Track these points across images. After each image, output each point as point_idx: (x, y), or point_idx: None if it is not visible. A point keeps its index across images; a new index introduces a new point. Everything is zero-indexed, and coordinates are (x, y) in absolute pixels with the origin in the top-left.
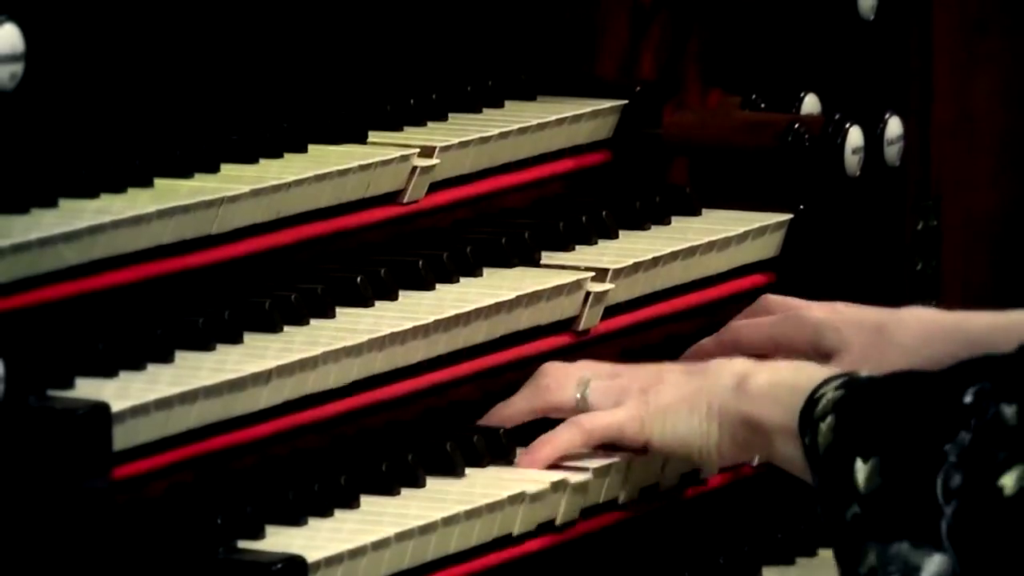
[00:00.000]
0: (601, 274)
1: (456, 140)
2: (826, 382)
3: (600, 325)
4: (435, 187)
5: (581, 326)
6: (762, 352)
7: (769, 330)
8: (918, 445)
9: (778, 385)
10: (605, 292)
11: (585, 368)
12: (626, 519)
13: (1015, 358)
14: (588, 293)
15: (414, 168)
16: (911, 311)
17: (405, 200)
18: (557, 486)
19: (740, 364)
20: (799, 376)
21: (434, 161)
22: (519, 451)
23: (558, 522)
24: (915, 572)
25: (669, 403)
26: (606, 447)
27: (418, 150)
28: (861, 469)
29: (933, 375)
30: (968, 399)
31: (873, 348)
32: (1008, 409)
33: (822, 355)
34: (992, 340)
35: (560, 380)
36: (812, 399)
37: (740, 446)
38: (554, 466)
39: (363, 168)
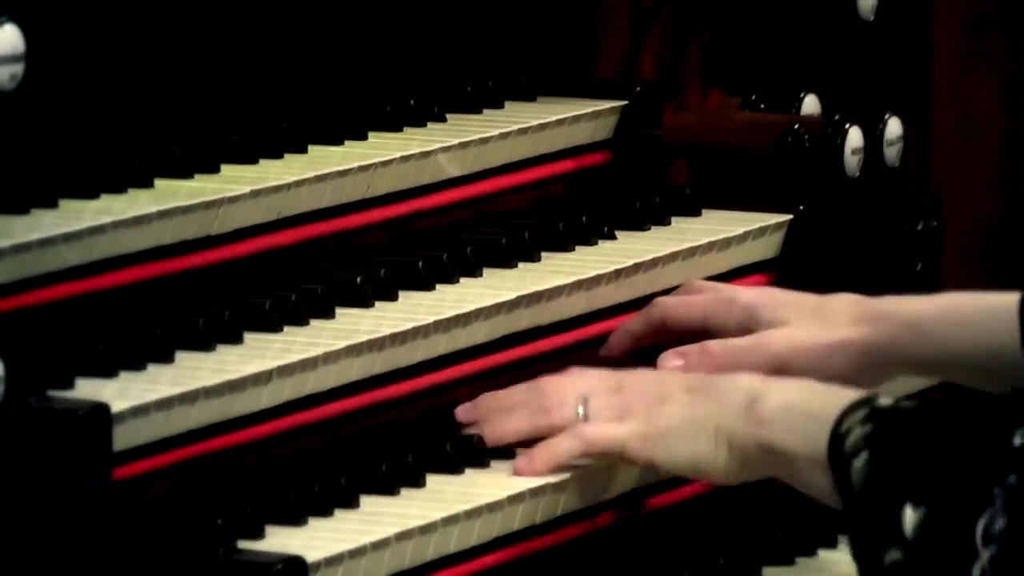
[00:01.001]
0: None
1: (456, 141)
2: (848, 412)
3: (598, 325)
4: (434, 188)
5: None
6: (691, 330)
7: (702, 309)
8: (966, 489)
9: (792, 411)
10: None
11: (582, 381)
12: (627, 518)
13: None
14: None
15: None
16: (844, 294)
17: None
18: (558, 487)
19: (747, 382)
20: (812, 400)
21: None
22: (518, 452)
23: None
24: None
25: (675, 424)
26: None
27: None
28: (911, 517)
29: (973, 413)
30: (1018, 440)
31: (810, 325)
32: None
33: (752, 333)
34: (928, 321)
35: (560, 397)
36: (838, 434)
37: (752, 469)
38: None
39: (363, 169)
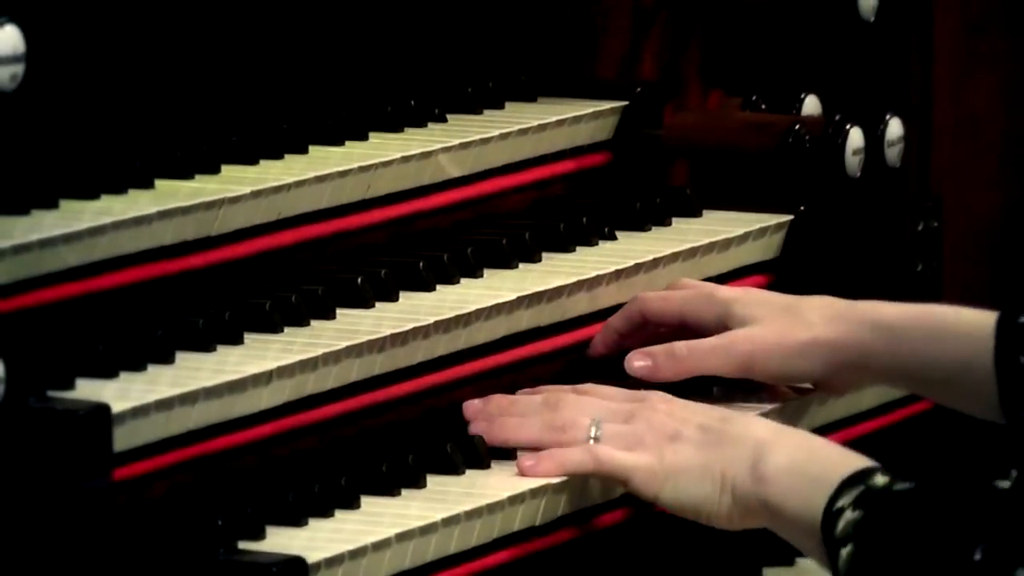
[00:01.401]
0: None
1: (457, 141)
2: (844, 487)
3: (598, 326)
4: (435, 188)
5: None
6: (670, 324)
7: (679, 304)
8: None
9: (795, 473)
10: None
11: (598, 405)
12: (628, 518)
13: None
14: None
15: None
16: (821, 296)
17: None
18: (559, 487)
19: (759, 431)
20: (815, 462)
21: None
22: (520, 453)
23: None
24: None
25: (684, 466)
26: None
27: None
28: None
29: (951, 520)
30: (978, 556)
31: (781, 323)
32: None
33: (728, 329)
34: (900, 328)
35: (573, 419)
36: (831, 511)
37: (753, 520)
38: None
39: (363, 169)
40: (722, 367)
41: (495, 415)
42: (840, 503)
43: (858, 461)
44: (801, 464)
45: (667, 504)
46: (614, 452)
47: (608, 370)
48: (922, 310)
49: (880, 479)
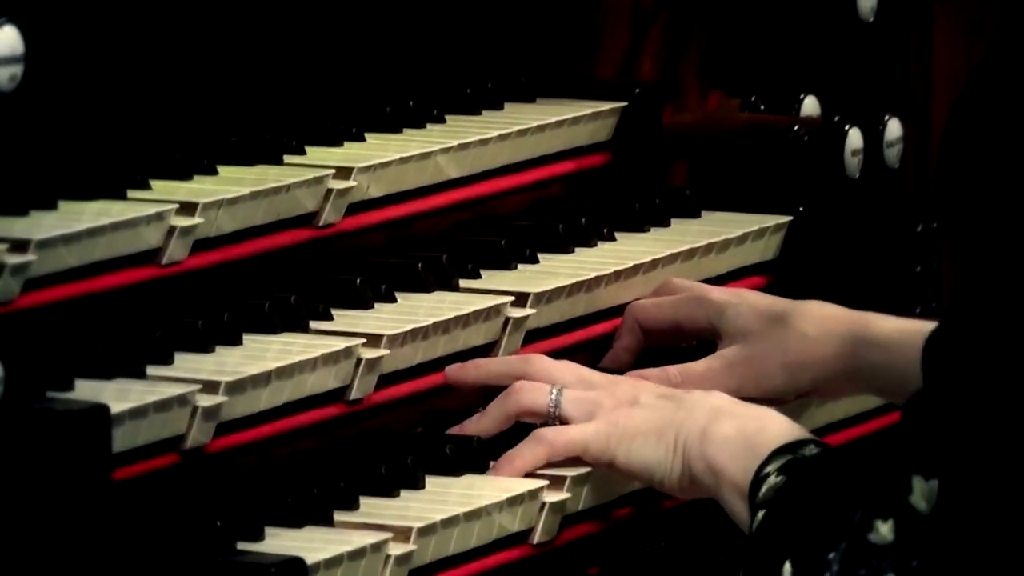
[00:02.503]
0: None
1: (455, 142)
2: (775, 455)
3: (597, 327)
4: (434, 189)
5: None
6: (663, 331)
7: (671, 310)
8: (813, 554)
9: (739, 437)
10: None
11: (568, 370)
12: (626, 519)
13: (892, 476)
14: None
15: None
16: (815, 303)
17: None
18: (557, 487)
19: (716, 401)
20: (761, 432)
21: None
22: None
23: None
24: None
25: (638, 428)
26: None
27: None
28: (788, 571)
29: (840, 486)
30: (857, 518)
31: (774, 338)
32: (883, 526)
33: (720, 337)
34: (895, 344)
35: (540, 380)
36: (759, 476)
37: (697, 485)
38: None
39: (362, 171)
40: (718, 390)
41: (472, 383)
42: (768, 469)
43: (798, 432)
44: (747, 431)
45: (622, 467)
46: (563, 431)
47: None
48: (919, 327)
49: (811, 449)
